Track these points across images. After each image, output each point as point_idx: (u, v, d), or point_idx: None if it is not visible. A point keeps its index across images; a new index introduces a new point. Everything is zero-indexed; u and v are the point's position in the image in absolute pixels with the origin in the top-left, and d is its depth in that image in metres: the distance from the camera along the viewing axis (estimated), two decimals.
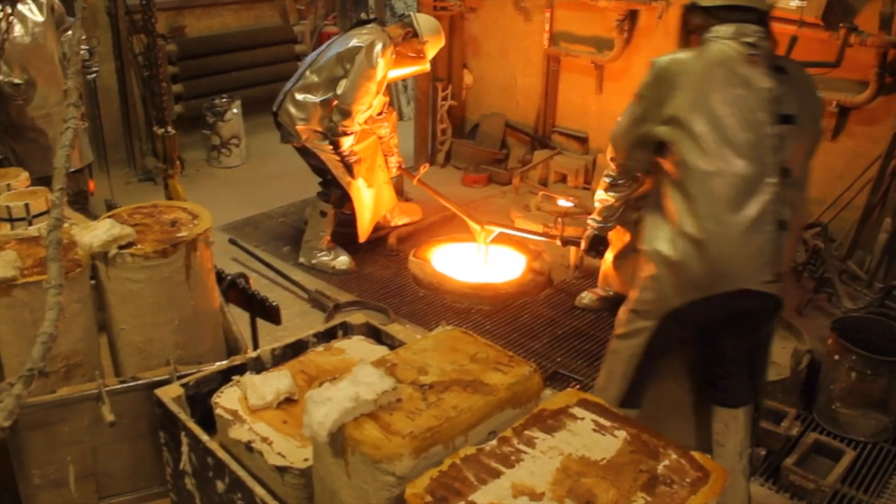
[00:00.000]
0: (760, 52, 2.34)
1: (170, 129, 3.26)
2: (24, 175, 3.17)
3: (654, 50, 4.97)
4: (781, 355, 3.45)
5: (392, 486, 1.41)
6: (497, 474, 1.42)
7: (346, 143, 4.22)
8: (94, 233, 2.08)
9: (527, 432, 1.53)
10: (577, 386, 3.46)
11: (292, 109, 4.24)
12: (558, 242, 4.12)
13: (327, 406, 1.46)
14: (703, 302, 2.39)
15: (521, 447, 1.49)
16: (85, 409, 2.09)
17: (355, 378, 1.53)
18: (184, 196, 3.39)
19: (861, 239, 4.14)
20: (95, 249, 2.05)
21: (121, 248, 2.07)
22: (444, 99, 6.07)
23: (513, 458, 1.46)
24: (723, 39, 2.36)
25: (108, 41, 5.20)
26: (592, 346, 3.83)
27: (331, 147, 4.25)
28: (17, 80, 4.10)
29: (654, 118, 2.43)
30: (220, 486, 1.78)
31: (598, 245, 3.26)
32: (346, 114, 4.11)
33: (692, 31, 2.50)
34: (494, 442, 1.50)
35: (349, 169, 4.27)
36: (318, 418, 1.45)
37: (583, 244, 3.60)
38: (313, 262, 4.54)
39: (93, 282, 2.19)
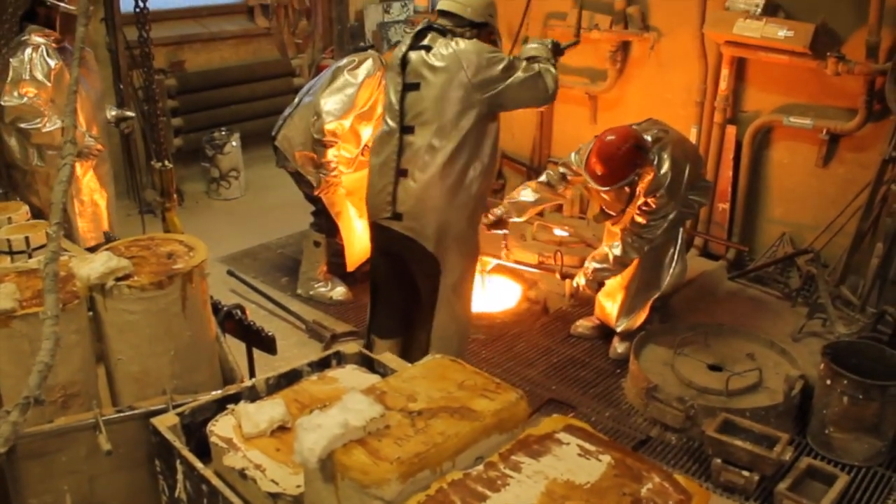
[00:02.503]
0: (407, 35, 3.07)
1: (167, 163, 3.32)
2: (25, 208, 3.22)
3: (647, 80, 5.10)
4: (775, 381, 3.48)
5: None
6: (483, 498, 1.44)
7: (330, 154, 4.16)
8: (92, 265, 2.12)
9: (513, 457, 1.56)
10: (572, 413, 3.47)
11: (293, 136, 4.26)
12: (557, 276, 4.16)
13: (317, 433, 1.49)
14: (371, 227, 3.27)
15: (508, 472, 1.52)
16: (82, 439, 2.11)
17: (345, 405, 1.56)
18: (181, 229, 3.46)
19: (854, 264, 4.18)
20: (93, 281, 2.09)
21: (118, 279, 2.11)
22: None
23: (499, 482, 1.49)
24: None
25: (108, 76, 5.29)
26: (587, 373, 3.85)
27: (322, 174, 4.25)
28: (97, 136, 3.97)
29: None
30: None
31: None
32: (318, 117, 4.09)
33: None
34: (481, 467, 1.53)
35: (318, 182, 4.23)
36: (308, 445, 1.48)
37: (583, 281, 3.74)
38: (311, 293, 4.58)
39: (91, 314, 2.23)
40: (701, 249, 4.95)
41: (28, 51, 3.59)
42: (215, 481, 1.78)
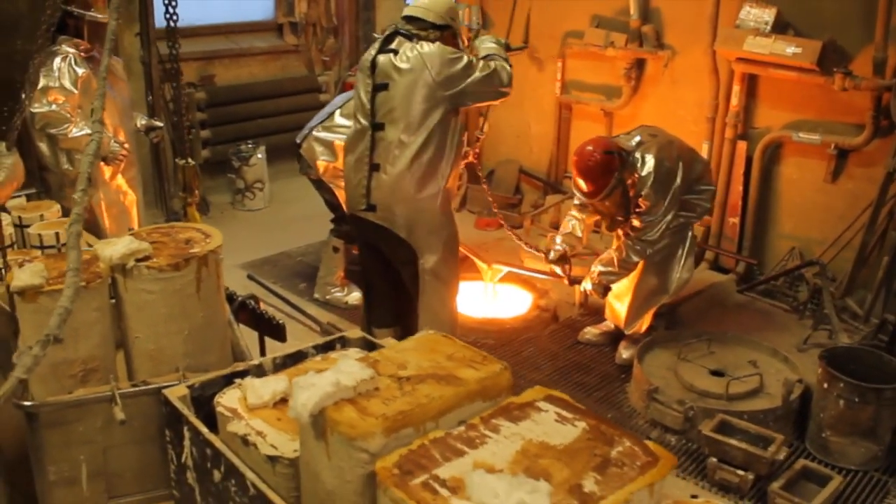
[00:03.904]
0: (376, 40, 3.30)
1: (190, 160, 3.49)
2: (57, 207, 3.41)
3: (661, 97, 5.21)
4: (776, 387, 3.53)
5: (366, 462, 1.54)
6: (461, 454, 1.55)
7: None
8: (115, 247, 2.28)
9: (493, 420, 1.66)
10: None
11: (316, 146, 4.41)
12: (566, 282, 4.26)
13: (310, 391, 1.61)
14: (351, 221, 3.55)
15: (487, 432, 1.62)
16: (98, 411, 2.26)
17: (338, 368, 1.68)
18: (199, 221, 3.61)
19: (861, 278, 4.23)
20: (115, 262, 2.25)
21: (137, 261, 2.27)
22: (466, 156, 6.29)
23: (477, 441, 1.59)
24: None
25: (141, 88, 5.53)
26: (591, 378, 3.93)
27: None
28: (123, 142, 4.09)
29: None
30: (217, 475, 1.93)
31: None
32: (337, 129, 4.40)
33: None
34: (462, 427, 1.63)
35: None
36: (302, 401, 1.60)
37: (590, 285, 3.85)
38: (327, 297, 4.72)
39: (113, 301, 2.38)
40: (711, 263, 5.01)
41: (57, 60, 3.80)
42: (218, 444, 1.91)
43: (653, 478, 1.53)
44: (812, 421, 3.29)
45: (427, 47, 3.17)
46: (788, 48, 4.20)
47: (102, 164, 4.06)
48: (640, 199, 3.65)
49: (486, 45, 3.44)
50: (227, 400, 2.08)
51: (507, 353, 4.17)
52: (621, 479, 1.51)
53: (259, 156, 6.39)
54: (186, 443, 2.06)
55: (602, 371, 4.00)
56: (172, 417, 2.12)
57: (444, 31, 3.29)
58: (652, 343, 3.91)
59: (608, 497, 1.45)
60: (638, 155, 3.67)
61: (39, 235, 3.08)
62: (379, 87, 3.23)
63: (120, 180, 4.23)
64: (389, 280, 3.58)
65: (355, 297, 4.69)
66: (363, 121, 3.30)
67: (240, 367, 2.26)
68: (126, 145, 4.09)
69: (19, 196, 3.63)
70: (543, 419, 1.68)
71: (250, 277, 4.89)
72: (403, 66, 3.16)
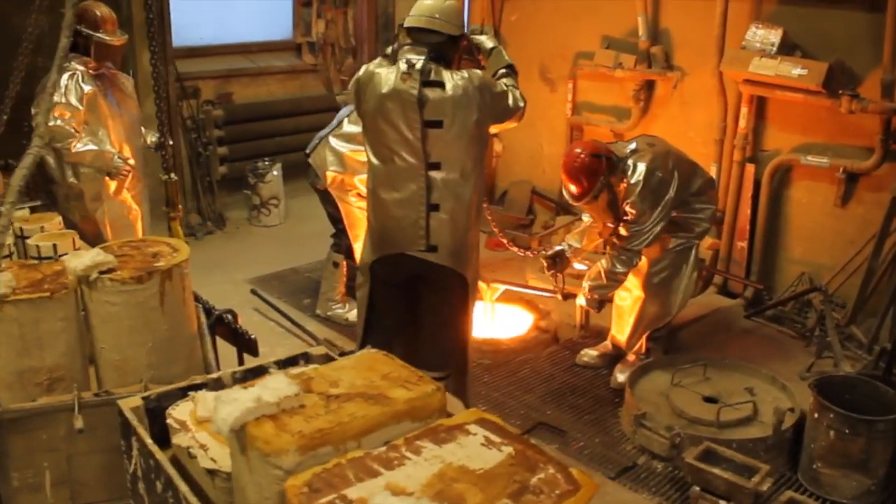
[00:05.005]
0: (413, 71, 2.93)
1: (173, 175, 3.56)
2: (58, 219, 3.48)
3: (670, 118, 5.15)
4: (771, 415, 3.42)
5: (280, 479, 1.54)
6: (375, 475, 1.53)
7: (356, 180, 4.24)
8: (81, 259, 2.33)
9: (417, 442, 1.64)
10: (561, 438, 3.50)
11: (328, 155, 4.35)
12: (559, 297, 4.22)
13: (232, 405, 1.62)
14: (385, 259, 3.17)
15: (407, 454, 1.60)
16: (62, 419, 2.29)
17: (265, 384, 1.68)
18: (182, 237, 3.66)
19: (869, 305, 4.10)
20: (78, 273, 2.29)
21: (102, 273, 2.31)
22: None
23: (395, 462, 1.57)
24: (399, 60, 2.99)
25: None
26: (585, 401, 3.87)
27: (352, 199, 4.40)
28: (127, 157, 4.15)
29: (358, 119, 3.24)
30: (159, 486, 1.94)
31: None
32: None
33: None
34: (384, 448, 1.62)
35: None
36: (223, 415, 1.61)
37: (584, 301, 3.82)
38: (328, 313, 4.74)
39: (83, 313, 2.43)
40: (719, 287, 4.91)
41: (65, 77, 3.91)
42: (159, 455, 1.92)
43: None
44: (804, 452, 3.18)
45: (475, 78, 2.97)
46: (794, 70, 4.12)
47: (107, 179, 4.16)
48: (628, 207, 3.62)
49: (497, 54, 3.28)
50: (178, 412, 2.10)
51: (501, 373, 4.13)
52: None
53: (275, 172, 6.47)
54: (135, 453, 2.07)
55: (596, 394, 3.93)
56: (125, 428, 2.14)
57: (459, 41, 3.11)
58: (647, 367, 3.84)
59: None
60: (630, 162, 3.65)
61: (37, 247, 3.15)
62: (430, 124, 2.96)
63: (125, 195, 4.33)
64: (410, 315, 3.33)
65: (355, 313, 4.68)
66: (411, 159, 3.00)
67: (197, 380, 2.27)
68: (130, 161, 4.18)
69: (23, 208, 3.74)
70: (469, 442, 1.65)
71: (253, 292, 4.94)
72: (458, 102, 2.93)
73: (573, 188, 3.67)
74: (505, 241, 5.10)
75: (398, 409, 1.69)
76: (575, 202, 3.73)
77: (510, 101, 3.10)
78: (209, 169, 6.32)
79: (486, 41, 3.29)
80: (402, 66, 2.96)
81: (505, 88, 3.12)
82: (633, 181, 3.60)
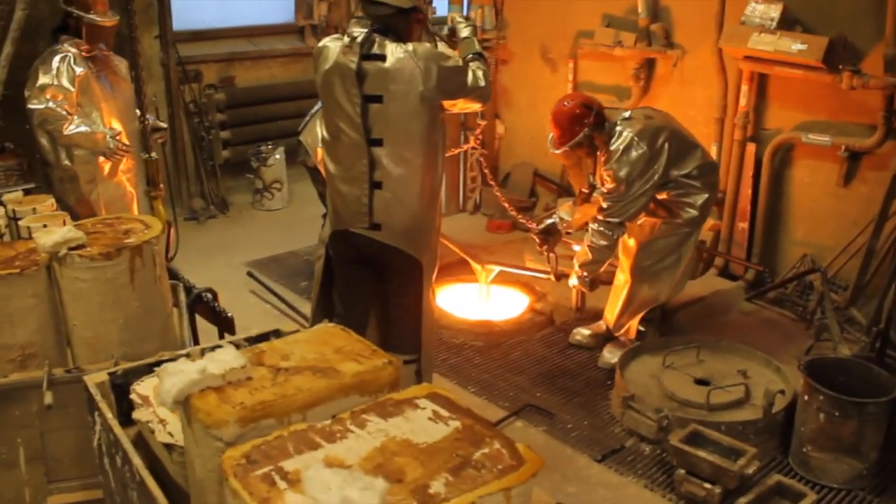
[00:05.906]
0: (353, 44, 2.86)
1: (153, 154, 3.55)
2: (51, 201, 3.48)
3: (671, 97, 5.06)
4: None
5: (220, 451, 1.51)
6: (315, 447, 1.51)
7: None
8: (51, 235, 2.33)
9: (363, 416, 1.61)
10: (549, 420, 3.46)
11: (315, 131, 4.25)
12: (552, 278, 4.17)
13: (177, 377, 1.60)
14: (336, 235, 3.17)
15: (351, 427, 1.58)
16: (34, 396, 2.30)
17: (212, 356, 1.66)
18: (164, 216, 3.66)
19: (871, 287, 4.01)
20: (47, 249, 2.29)
21: (71, 249, 2.30)
22: (474, 148, 6.24)
23: (338, 435, 1.55)
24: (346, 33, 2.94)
25: (161, 90, 5.67)
26: (576, 384, 3.83)
27: None
28: (119, 134, 4.09)
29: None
30: (118, 460, 1.94)
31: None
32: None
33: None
34: (328, 421, 1.59)
35: None
36: (167, 387, 1.59)
37: (576, 281, 3.79)
38: None
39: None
40: (720, 269, 4.83)
41: (56, 59, 3.91)
42: (117, 430, 1.91)
43: (510, 482, 1.45)
44: (794, 435, 3.12)
45: (420, 51, 2.88)
46: (793, 45, 4.02)
47: (102, 160, 4.17)
48: (605, 174, 3.61)
49: (468, 34, 3.17)
50: (143, 388, 2.09)
51: (494, 355, 4.10)
52: (474, 481, 1.45)
53: (277, 156, 6.47)
54: (98, 428, 2.07)
55: (588, 377, 3.89)
56: (91, 403, 2.14)
57: (412, 14, 2.98)
58: (639, 349, 3.79)
59: (452, 500, 1.39)
60: (619, 128, 3.62)
61: (28, 228, 3.16)
62: (370, 99, 2.89)
63: (120, 177, 4.33)
64: (371, 294, 3.30)
65: None
66: (353, 134, 2.93)
67: (165, 356, 2.26)
68: (125, 140, 4.19)
69: (17, 190, 3.75)
70: (416, 417, 1.62)
71: (249, 274, 4.94)
72: (397, 76, 2.85)
73: (554, 132, 3.70)
74: (521, 218, 5.02)
75: (345, 382, 1.67)
76: (555, 149, 3.75)
77: (468, 78, 2.97)
78: (212, 153, 6.32)
79: (463, 28, 3.18)
80: (346, 39, 2.91)
81: (462, 64, 3.00)
82: (613, 147, 3.58)
